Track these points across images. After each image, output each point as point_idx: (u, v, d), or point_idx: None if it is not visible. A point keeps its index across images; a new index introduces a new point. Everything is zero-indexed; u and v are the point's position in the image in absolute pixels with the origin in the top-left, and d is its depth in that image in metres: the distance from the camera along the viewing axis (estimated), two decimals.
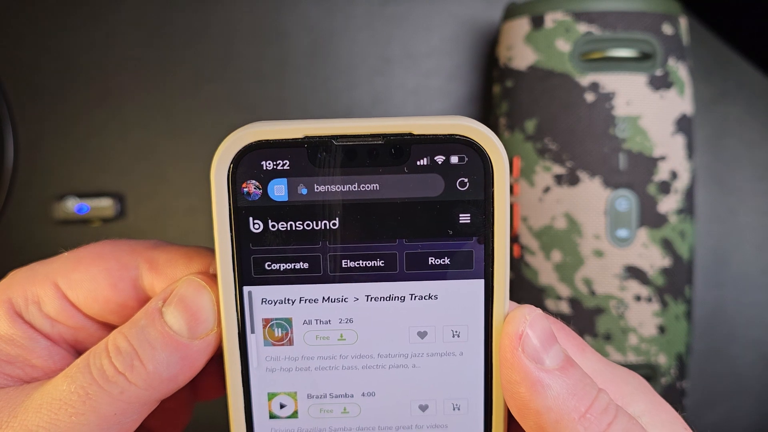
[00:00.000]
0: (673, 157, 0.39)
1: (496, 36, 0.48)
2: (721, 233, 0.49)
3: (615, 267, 0.39)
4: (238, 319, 0.23)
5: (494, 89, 0.43)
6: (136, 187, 0.49)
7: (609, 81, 0.39)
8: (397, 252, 0.22)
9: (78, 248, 0.26)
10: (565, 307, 0.40)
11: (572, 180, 0.39)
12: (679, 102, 0.40)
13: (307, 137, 0.21)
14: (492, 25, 0.49)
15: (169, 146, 0.49)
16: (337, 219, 0.22)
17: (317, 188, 0.22)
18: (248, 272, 0.23)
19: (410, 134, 0.21)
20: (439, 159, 0.22)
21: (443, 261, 0.22)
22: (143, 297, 0.25)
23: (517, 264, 0.41)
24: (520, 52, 0.41)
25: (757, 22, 0.45)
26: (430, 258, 0.22)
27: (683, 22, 0.41)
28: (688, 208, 0.40)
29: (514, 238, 0.41)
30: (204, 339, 0.23)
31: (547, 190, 0.40)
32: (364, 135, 0.21)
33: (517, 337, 0.22)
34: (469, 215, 0.22)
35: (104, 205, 0.48)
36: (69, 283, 0.25)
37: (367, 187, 0.22)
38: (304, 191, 0.22)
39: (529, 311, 0.22)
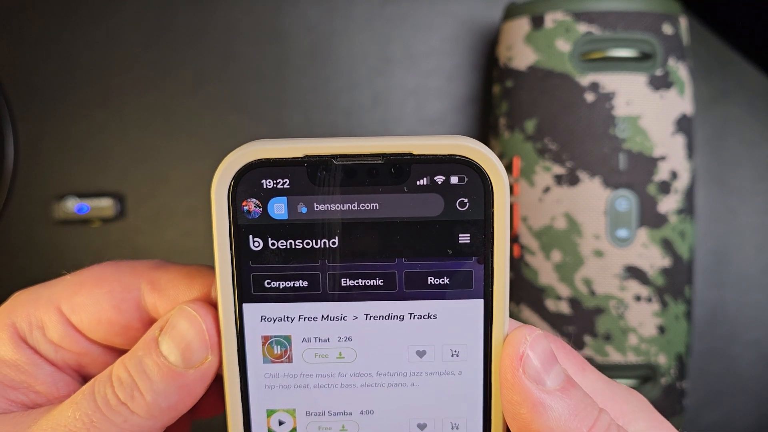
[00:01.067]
0: (673, 157, 0.39)
1: (496, 36, 0.48)
2: (721, 233, 0.49)
3: (615, 267, 0.39)
4: (237, 336, 0.23)
5: (494, 89, 0.43)
6: (136, 188, 0.49)
7: (609, 81, 0.39)
8: (397, 271, 0.22)
9: (80, 270, 0.26)
10: (565, 307, 0.40)
11: (572, 180, 0.39)
12: (679, 102, 0.40)
13: (307, 156, 0.22)
14: (492, 25, 0.49)
15: (169, 146, 0.49)
16: (336, 238, 0.22)
17: (317, 207, 0.22)
18: (248, 290, 0.23)
19: (410, 154, 0.22)
20: (439, 179, 0.22)
21: (442, 280, 0.22)
22: (147, 318, 0.25)
23: (517, 264, 0.41)
24: (520, 52, 0.41)
25: (757, 22, 0.45)
26: (429, 277, 0.22)
27: (683, 22, 0.41)
28: (688, 208, 0.40)
29: (514, 238, 0.41)
30: (199, 368, 0.23)
31: (547, 190, 0.40)
32: (363, 155, 0.22)
33: (518, 358, 0.22)
34: (468, 235, 0.22)
35: (104, 205, 0.48)
36: (72, 307, 0.25)
37: (367, 206, 0.22)
38: (304, 210, 0.22)
39: (530, 332, 0.22)
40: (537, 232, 0.40)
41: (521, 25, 0.41)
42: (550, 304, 0.40)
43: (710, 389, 0.49)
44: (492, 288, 0.22)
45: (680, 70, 0.40)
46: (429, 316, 0.23)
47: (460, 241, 0.22)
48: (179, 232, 0.49)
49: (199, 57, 0.49)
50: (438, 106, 0.49)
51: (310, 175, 0.22)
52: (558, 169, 0.39)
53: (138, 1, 0.49)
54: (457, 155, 0.21)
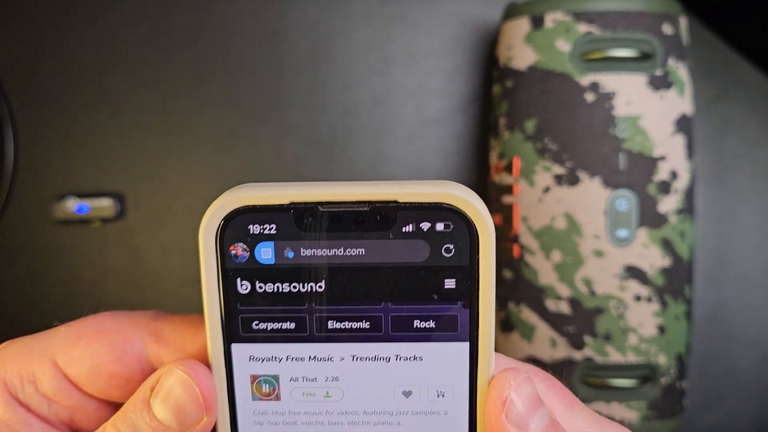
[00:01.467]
0: (673, 157, 0.40)
1: (496, 36, 0.48)
2: (721, 233, 0.49)
3: (615, 267, 0.39)
4: (226, 375, 0.23)
5: (494, 89, 0.43)
6: (136, 187, 0.49)
7: (609, 81, 0.39)
8: (383, 314, 0.23)
9: (75, 322, 0.25)
10: (565, 307, 0.40)
11: (572, 180, 0.39)
12: (679, 102, 0.40)
13: (293, 203, 0.22)
14: (492, 25, 0.49)
15: (168, 146, 0.49)
16: (323, 282, 0.22)
17: (303, 252, 0.22)
18: (236, 330, 0.23)
19: (396, 202, 0.22)
20: (425, 226, 0.22)
21: (428, 324, 0.23)
22: (149, 370, 0.25)
23: (517, 264, 0.41)
24: (520, 52, 0.41)
25: (757, 22, 0.45)
26: (415, 321, 0.23)
27: (683, 22, 0.41)
28: (688, 208, 0.40)
29: (514, 238, 0.41)
30: (194, 429, 0.23)
31: (547, 190, 0.40)
32: (349, 202, 0.22)
33: (502, 403, 0.22)
34: (454, 280, 0.22)
35: (104, 205, 0.48)
36: (69, 360, 0.24)
37: (353, 251, 0.22)
38: (291, 255, 0.22)
39: (515, 375, 0.23)
40: (537, 232, 0.40)
41: (521, 25, 0.41)
42: (550, 304, 0.40)
43: (710, 389, 0.49)
44: (477, 332, 0.23)
45: (680, 70, 0.40)
46: (415, 358, 0.23)
47: (445, 287, 0.22)
48: (179, 232, 0.49)
49: (198, 57, 0.49)
50: (438, 106, 0.49)
51: (297, 221, 0.22)
52: (558, 169, 0.39)
53: (137, 1, 0.49)
54: (443, 203, 0.22)
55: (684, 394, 0.41)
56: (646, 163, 0.39)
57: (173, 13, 0.49)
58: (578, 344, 0.40)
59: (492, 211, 0.43)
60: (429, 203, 0.22)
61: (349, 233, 0.22)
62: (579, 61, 0.39)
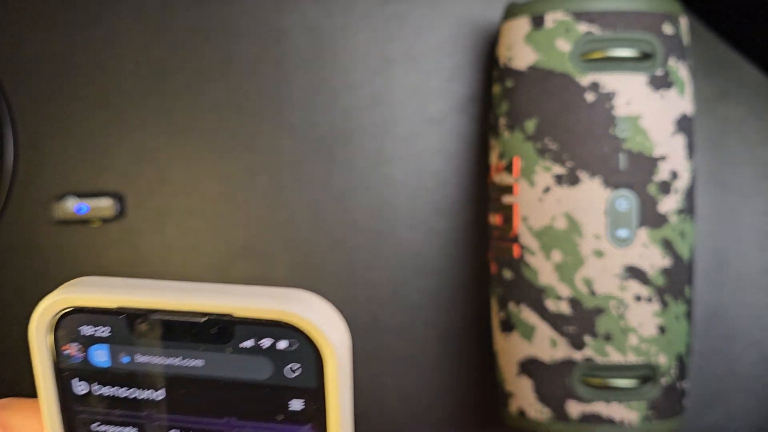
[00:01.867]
0: (673, 157, 0.40)
1: (496, 36, 0.48)
2: (721, 233, 0.49)
3: (615, 267, 0.39)
4: None
5: (494, 89, 0.43)
6: (136, 187, 0.49)
7: (609, 81, 0.39)
8: (226, 429, 0.21)
9: None
10: (565, 307, 0.40)
11: (572, 180, 0.39)
12: (680, 102, 0.40)
13: (122, 308, 0.20)
14: (492, 25, 0.49)
15: (169, 146, 0.49)
16: (162, 390, 0.21)
17: (139, 359, 0.21)
18: (76, 429, 0.22)
19: (230, 316, 0.20)
20: (266, 342, 0.20)
21: None
22: None
23: (517, 264, 0.41)
24: (520, 52, 0.41)
25: (757, 22, 0.45)
26: None
27: (683, 21, 0.41)
28: (688, 208, 0.40)
29: (514, 238, 0.41)
30: None
31: (547, 190, 0.40)
32: (182, 312, 0.20)
33: None
34: (302, 401, 0.21)
35: (104, 205, 0.48)
36: None
37: (191, 362, 0.21)
38: (126, 360, 0.21)
39: None
40: (537, 232, 0.40)
41: (521, 25, 0.41)
42: (550, 304, 0.40)
43: (710, 389, 0.49)
44: None
45: (680, 70, 0.40)
46: None
47: (291, 408, 0.21)
48: (179, 232, 0.49)
49: (198, 56, 0.49)
50: (438, 106, 0.49)
51: (129, 326, 0.20)
52: (558, 169, 0.39)
53: (138, 1, 0.49)
54: (281, 321, 0.20)
55: (684, 394, 0.41)
56: (647, 163, 0.39)
57: (173, 13, 0.49)
58: (578, 344, 0.40)
59: (492, 211, 0.43)
60: (266, 320, 0.20)
61: (186, 343, 0.20)
62: (579, 61, 0.39)
